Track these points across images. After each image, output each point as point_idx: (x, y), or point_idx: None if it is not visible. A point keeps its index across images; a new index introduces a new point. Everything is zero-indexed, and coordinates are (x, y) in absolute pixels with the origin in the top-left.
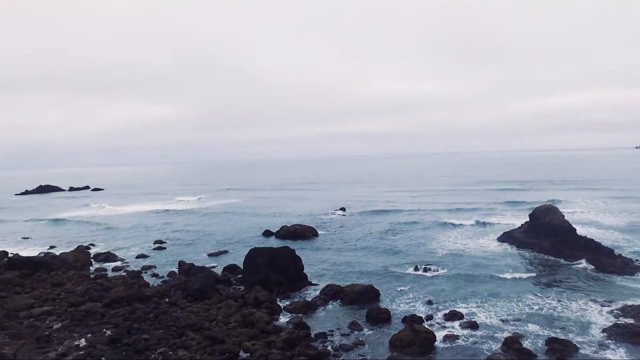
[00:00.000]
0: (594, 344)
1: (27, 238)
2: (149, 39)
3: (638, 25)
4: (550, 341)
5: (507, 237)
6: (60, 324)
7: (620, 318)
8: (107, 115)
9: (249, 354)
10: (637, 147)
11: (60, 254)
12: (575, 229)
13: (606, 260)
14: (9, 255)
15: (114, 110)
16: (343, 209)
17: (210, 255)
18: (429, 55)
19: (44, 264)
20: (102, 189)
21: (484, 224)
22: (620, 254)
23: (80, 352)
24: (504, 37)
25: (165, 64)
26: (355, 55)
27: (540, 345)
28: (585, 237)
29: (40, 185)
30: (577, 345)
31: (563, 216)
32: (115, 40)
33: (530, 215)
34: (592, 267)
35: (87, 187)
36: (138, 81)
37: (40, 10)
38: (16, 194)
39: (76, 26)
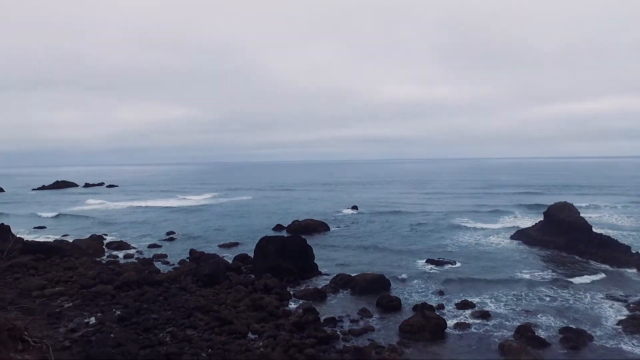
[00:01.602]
0: (608, 335)
1: (42, 227)
2: (163, 40)
3: None
4: (564, 330)
5: (521, 235)
6: (71, 304)
7: (636, 311)
8: (122, 116)
9: (257, 335)
10: None
11: (74, 240)
12: (590, 226)
13: (622, 257)
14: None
15: (128, 110)
16: (355, 207)
17: (221, 246)
18: (443, 59)
19: (58, 249)
20: (117, 186)
21: (498, 223)
22: (638, 252)
23: (90, 329)
24: (519, 42)
25: (178, 65)
26: (369, 59)
27: (553, 334)
28: (601, 234)
29: (57, 181)
30: (591, 334)
31: (578, 213)
32: (129, 41)
33: (544, 213)
34: (608, 263)
35: (101, 184)
36: (152, 82)
37: (54, 9)
38: (33, 189)
39: (90, 26)
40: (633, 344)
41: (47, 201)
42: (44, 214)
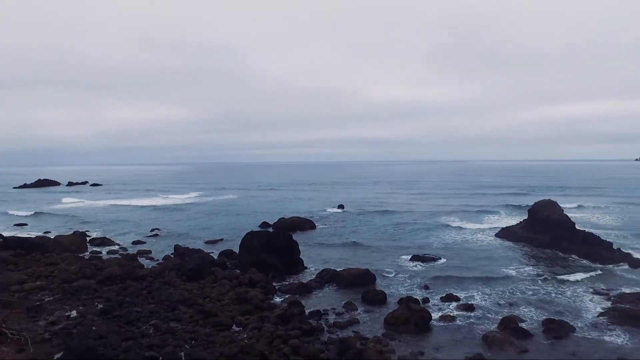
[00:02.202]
0: (590, 326)
1: (24, 225)
2: (157, 40)
3: None
4: (547, 322)
5: (505, 233)
6: (52, 298)
7: (617, 304)
8: (113, 115)
9: (241, 327)
10: (637, 159)
11: (56, 236)
12: (574, 223)
13: (605, 254)
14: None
15: (119, 110)
16: (341, 206)
17: (206, 242)
18: (442, 59)
19: (39, 245)
20: (101, 185)
21: (483, 222)
22: (619, 248)
23: (71, 322)
24: (518, 43)
25: (178, 65)
26: (362, 60)
27: (536, 326)
28: (584, 231)
29: (39, 180)
30: (574, 326)
31: (562, 210)
32: (122, 40)
33: (529, 210)
34: (591, 259)
35: (85, 182)
36: (145, 82)
37: (47, 7)
38: (14, 187)
39: (83, 25)
40: (614, 334)
41: (27, 199)
42: (24, 212)
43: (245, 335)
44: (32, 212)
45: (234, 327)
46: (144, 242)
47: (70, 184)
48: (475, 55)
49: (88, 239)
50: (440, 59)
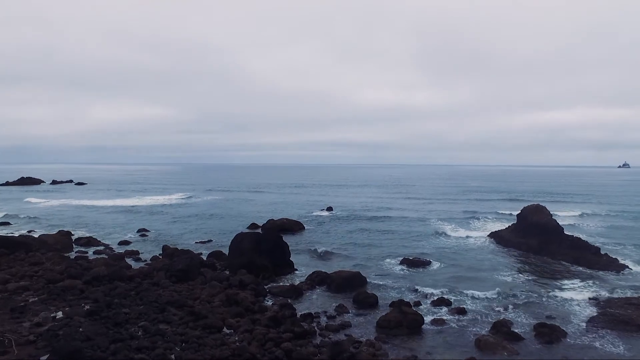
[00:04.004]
0: (581, 331)
1: (6, 224)
2: (140, 38)
3: (626, 46)
4: (539, 326)
5: (494, 236)
6: (36, 298)
7: (607, 309)
8: (97, 114)
9: (232, 330)
10: (619, 167)
11: (40, 235)
12: (562, 228)
13: (593, 258)
14: None
15: (103, 109)
16: (330, 208)
17: (195, 243)
18: (421, 64)
19: (23, 244)
20: (86, 184)
21: (472, 226)
22: (607, 253)
23: (56, 323)
24: (496, 50)
25: (155, 64)
26: (348, 63)
27: (528, 330)
28: (572, 235)
29: (22, 177)
30: (565, 331)
31: (551, 215)
32: (105, 38)
33: (518, 215)
34: (579, 264)
35: (70, 181)
36: (128, 80)
37: (26, 2)
38: None
39: (65, 22)
40: (604, 339)
41: (9, 197)
42: (6, 211)
43: (236, 338)
44: (15, 211)
45: (225, 329)
46: (131, 242)
47: (54, 182)
48: (454, 61)
49: (73, 238)
50: (419, 64)
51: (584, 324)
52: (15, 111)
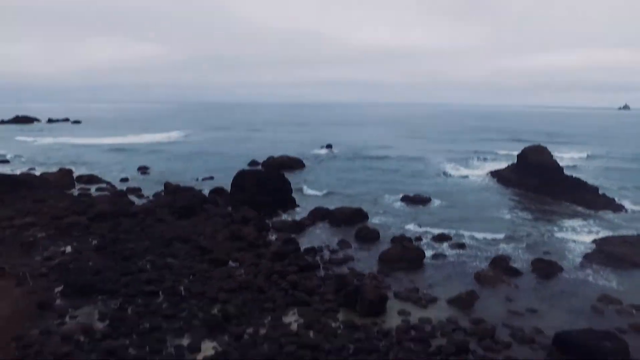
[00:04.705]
0: (576, 266)
1: (6, 162)
2: None
3: None
4: (536, 261)
5: (494, 175)
6: (44, 234)
7: (603, 247)
8: (88, 51)
9: (238, 264)
10: (619, 108)
11: (42, 173)
12: (562, 168)
13: (591, 198)
14: None
15: (94, 45)
16: (330, 146)
17: (196, 180)
18: (421, 2)
19: (25, 182)
20: (81, 122)
21: (473, 165)
22: (605, 194)
23: (66, 257)
24: None
25: (149, 2)
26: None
27: (526, 265)
28: (572, 176)
29: (17, 116)
30: (562, 266)
31: (552, 156)
32: None
33: (518, 155)
34: (578, 203)
35: (66, 119)
36: (119, 14)
37: None
38: None
39: None
40: (599, 275)
41: (6, 136)
42: (2, 150)
43: (242, 271)
44: (13, 149)
45: (231, 263)
46: (133, 180)
47: (50, 120)
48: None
49: (74, 176)
50: (419, 3)
51: (580, 260)
52: (6, 47)
